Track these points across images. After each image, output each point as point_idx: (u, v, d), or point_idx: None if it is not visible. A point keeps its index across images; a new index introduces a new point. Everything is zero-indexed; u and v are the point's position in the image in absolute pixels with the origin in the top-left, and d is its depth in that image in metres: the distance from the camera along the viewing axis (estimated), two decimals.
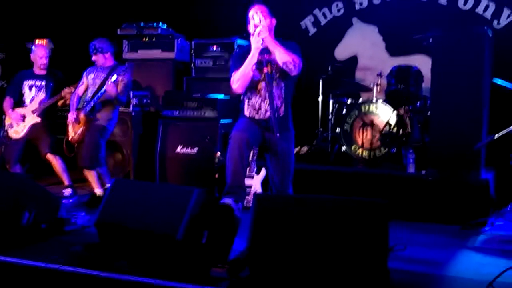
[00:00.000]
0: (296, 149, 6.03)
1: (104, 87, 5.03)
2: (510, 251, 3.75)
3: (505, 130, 4.43)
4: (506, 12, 5.84)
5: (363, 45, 6.51)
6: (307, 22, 6.73)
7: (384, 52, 6.43)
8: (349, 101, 5.82)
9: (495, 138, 4.43)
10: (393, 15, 6.29)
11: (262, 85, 3.85)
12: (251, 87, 3.88)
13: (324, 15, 6.65)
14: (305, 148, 6.06)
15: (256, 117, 3.89)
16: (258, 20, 3.78)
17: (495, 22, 5.88)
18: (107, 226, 3.56)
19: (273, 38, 3.92)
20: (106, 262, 3.36)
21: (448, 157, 4.83)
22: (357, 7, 6.50)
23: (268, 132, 3.83)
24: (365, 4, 6.46)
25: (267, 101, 3.81)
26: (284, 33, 6.25)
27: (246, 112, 3.92)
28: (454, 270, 3.45)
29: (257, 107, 3.87)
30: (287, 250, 3.05)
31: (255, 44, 3.78)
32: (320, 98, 6.12)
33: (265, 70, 3.81)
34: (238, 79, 3.83)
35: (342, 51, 6.61)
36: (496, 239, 4.18)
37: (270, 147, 3.87)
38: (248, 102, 3.91)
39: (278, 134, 3.65)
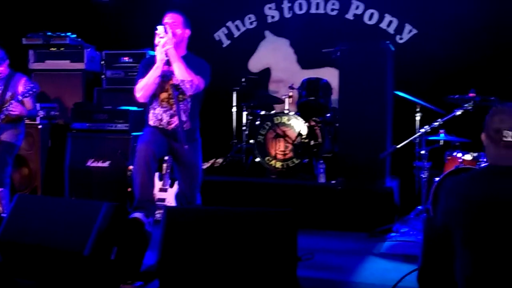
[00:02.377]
0: (211, 161, 6.05)
1: (9, 108, 4.69)
2: (413, 257, 3.92)
3: (407, 140, 4.67)
4: (407, 27, 6.17)
5: (276, 58, 6.64)
6: (221, 34, 6.78)
7: (296, 64, 6.59)
8: (262, 112, 5.91)
9: (398, 147, 4.66)
10: (303, 28, 6.46)
11: (165, 95, 3.81)
12: (155, 97, 3.83)
13: (237, 28, 6.73)
14: (220, 160, 6.08)
15: (161, 127, 3.84)
16: (162, 31, 3.72)
17: (398, 37, 6.20)
18: (10, 244, 3.39)
19: (182, 50, 3.88)
20: (8, 282, 3.19)
21: (356, 167, 5.02)
22: (269, 20, 6.63)
23: (175, 142, 3.81)
24: (277, 17, 6.60)
25: (170, 112, 3.79)
26: (197, 44, 6.30)
27: (151, 122, 3.88)
28: (360, 276, 3.58)
29: (159, 117, 3.83)
30: (198, 262, 3.04)
31: (159, 55, 3.73)
32: (234, 110, 6.18)
33: (170, 82, 3.77)
34: (142, 88, 3.78)
35: (255, 63, 6.71)
36: (400, 245, 4.37)
37: (177, 158, 3.85)
38: (152, 112, 3.86)
39: (186, 146, 3.64)
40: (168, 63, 3.73)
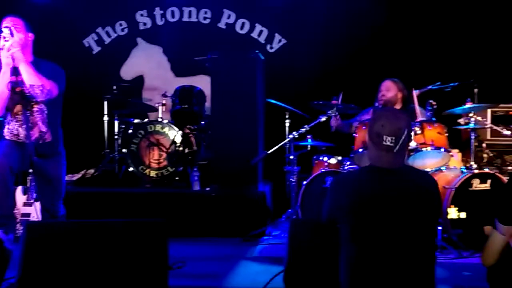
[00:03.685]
0: (82, 172, 5.83)
1: None
2: (283, 258, 4.04)
3: (277, 146, 4.82)
4: (277, 37, 6.40)
5: (149, 65, 6.58)
6: (91, 40, 6.57)
7: (170, 72, 6.58)
8: (136, 121, 5.79)
9: (268, 153, 4.80)
10: (177, 36, 6.47)
11: (19, 108, 3.59)
12: (8, 111, 3.60)
13: (108, 34, 6.56)
14: (91, 170, 5.87)
15: (20, 141, 3.63)
16: (8, 33, 3.50)
17: (269, 46, 6.40)
18: None
19: (29, 55, 3.66)
20: None
21: (229, 173, 5.09)
22: (141, 27, 6.54)
23: (35, 155, 3.61)
24: (149, 24, 6.53)
25: (27, 125, 3.59)
26: (65, 51, 6.09)
27: (7, 137, 3.64)
28: (232, 281, 3.62)
29: (15, 132, 3.61)
30: (63, 278, 2.90)
31: (5, 60, 3.50)
32: (105, 119, 6.00)
33: (19, 90, 3.56)
34: None
35: (128, 71, 6.59)
36: (272, 248, 4.50)
37: (37, 171, 3.66)
38: (7, 127, 3.63)
39: (35, 158, 3.46)
40: (15, 72, 3.50)
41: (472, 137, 4.63)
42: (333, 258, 2.71)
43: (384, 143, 2.41)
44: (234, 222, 4.91)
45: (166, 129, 5.55)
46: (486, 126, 5.10)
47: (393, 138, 2.40)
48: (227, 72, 5.16)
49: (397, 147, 2.41)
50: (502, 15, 5.89)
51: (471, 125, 4.56)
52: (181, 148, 5.51)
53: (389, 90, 4.87)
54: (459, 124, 4.79)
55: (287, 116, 5.26)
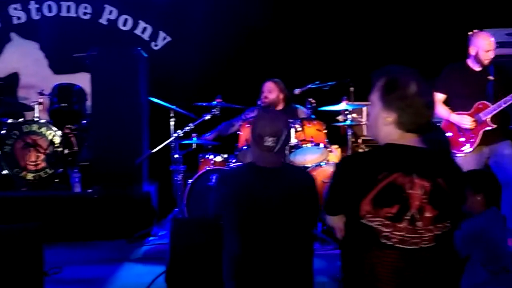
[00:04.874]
0: None
1: None
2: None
3: (162, 145, 4.76)
4: (162, 35, 6.31)
5: (25, 62, 6.23)
6: None
7: (48, 69, 6.26)
8: (9, 121, 5.44)
9: (152, 152, 4.72)
10: (54, 32, 6.18)
11: None
12: None
13: None
14: None
15: None
16: None
17: (153, 43, 6.30)
18: None
19: None
20: None
21: (112, 173, 4.94)
22: (15, 21, 6.17)
23: None
24: (24, 18, 6.18)
25: None
26: None
27: None
28: (113, 285, 3.52)
29: None
30: None
31: None
32: None
33: None
34: None
35: (0, 68, 6.19)
36: (157, 249, 4.42)
37: None
38: None
39: None
40: None
41: (349, 134, 4.86)
42: (216, 255, 2.74)
43: (265, 143, 2.52)
44: (119, 224, 4.77)
45: (43, 129, 5.28)
46: (362, 123, 5.38)
47: (274, 139, 2.51)
48: (107, 69, 5.01)
49: (277, 147, 2.53)
50: (375, 17, 6.23)
51: (348, 122, 4.79)
52: (60, 149, 5.27)
53: (271, 91, 4.98)
54: (338, 121, 5.01)
55: (171, 115, 5.19)
